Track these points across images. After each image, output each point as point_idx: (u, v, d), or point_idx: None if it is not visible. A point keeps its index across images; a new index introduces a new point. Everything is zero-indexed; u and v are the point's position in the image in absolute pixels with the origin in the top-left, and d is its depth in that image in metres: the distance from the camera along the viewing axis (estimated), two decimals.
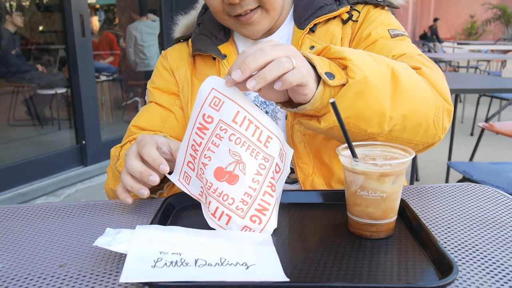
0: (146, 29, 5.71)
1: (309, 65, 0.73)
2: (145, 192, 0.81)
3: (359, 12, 1.05)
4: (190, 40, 1.14)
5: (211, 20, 1.11)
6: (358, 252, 0.67)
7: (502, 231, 0.74)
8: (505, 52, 8.59)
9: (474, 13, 17.67)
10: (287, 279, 0.57)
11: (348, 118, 0.76)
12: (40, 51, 4.76)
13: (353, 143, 0.72)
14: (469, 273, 0.61)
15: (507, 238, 0.71)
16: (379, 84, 0.76)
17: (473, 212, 0.82)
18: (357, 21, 1.05)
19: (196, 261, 0.61)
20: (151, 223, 0.75)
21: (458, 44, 11.31)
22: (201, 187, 0.78)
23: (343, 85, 0.75)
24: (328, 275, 0.60)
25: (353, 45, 1.04)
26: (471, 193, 0.91)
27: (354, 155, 0.70)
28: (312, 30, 1.05)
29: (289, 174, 1.09)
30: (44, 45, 4.83)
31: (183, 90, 1.12)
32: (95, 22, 6.54)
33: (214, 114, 0.75)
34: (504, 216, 0.80)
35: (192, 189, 0.80)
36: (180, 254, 0.63)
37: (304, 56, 0.75)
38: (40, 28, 4.81)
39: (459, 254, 0.66)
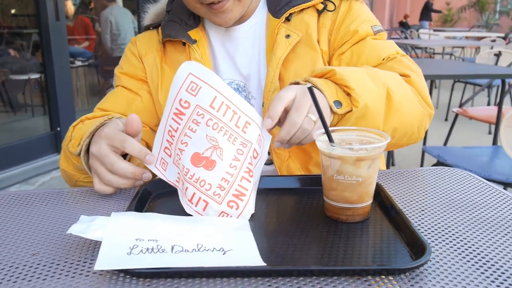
0: (121, 13, 5.60)
1: (327, 107, 0.82)
2: (141, 182, 0.84)
3: (334, 4, 1.07)
4: (160, 27, 1.14)
5: (181, 7, 1.11)
6: (334, 235, 0.67)
7: (473, 213, 0.75)
8: (479, 38, 8.74)
9: (449, 0, 17.88)
10: (264, 264, 0.57)
11: None
12: (12, 35, 4.61)
13: (330, 128, 0.72)
14: (441, 254, 0.62)
15: (479, 220, 0.73)
16: (377, 107, 0.87)
17: (447, 195, 0.83)
18: (333, 11, 1.06)
19: (172, 248, 0.61)
20: (127, 210, 0.74)
21: (434, 31, 11.44)
22: (178, 173, 0.78)
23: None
24: (305, 259, 0.61)
25: (338, 38, 1.05)
26: (445, 177, 0.93)
27: (330, 140, 0.71)
28: (287, 19, 1.05)
29: None
30: (16, 29, 4.68)
31: (152, 76, 1.12)
32: (70, 5, 6.38)
33: (191, 99, 0.75)
34: (476, 198, 0.81)
35: (169, 176, 0.80)
36: (156, 241, 0.62)
37: (314, 85, 0.83)
38: (12, 11, 4.67)
39: (432, 236, 0.67)
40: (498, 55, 4.69)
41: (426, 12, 14.87)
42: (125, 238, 0.62)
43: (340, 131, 0.77)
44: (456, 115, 3.41)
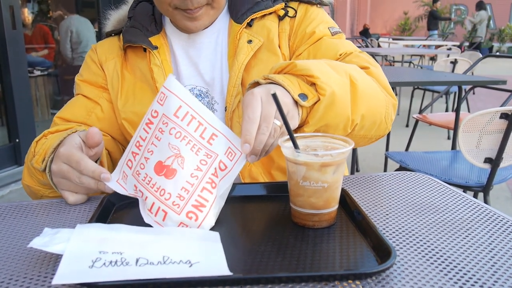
0: (81, 22, 5.51)
1: (292, 103, 0.80)
2: (107, 175, 0.80)
3: (294, 9, 1.09)
4: (121, 34, 1.13)
5: (143, 14, 1.12)
6: (302, 242, 0.67)
7: (436, 215, 0.77)
8: (436, 47, 9.04)
9: (407, 10, 18.45)
10: (230, 273, 0.57)
11: (320, 128, 0.86)
12: None
13: (295, 135, 0.73)
14: (406, 257, 0.63)
15: (440, 222, 0.74)
16: (343, 94, 0.85)
17: (410, 199, 0.85)
18: (294, 17, 1.08)
19: (137, 260, 0.59)
20: (89, 221, 0.72)
21: (393, 39, 11.79)
22: (135, 185, 0.76)
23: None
24: (272, 266, 0.61)
25: (297, 42, 1.08)
26: (408, 181, 0.95)
27: (296, 146, 0.71)
28: (249, 25, 1.07)
29: None
30: None
31: (112, 83, 1.11)
32: (27, 14, 6.21)
33: (159, 108, 0.75)
34: (438, 202, 0.83)
35: (128, 189, 0.78)
36: (121, 254, 0.61)
37: (275, 82, 0.81)
38: None
39: (397, 239, 0.69)
40: (454, 62, 4.86)
41: (434, 22, 14.65)
42: (88, 250, 0.60)
43: (305, 138, 0.77)
44: (417, 121, 3.50)
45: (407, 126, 5.55)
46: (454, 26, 19.46)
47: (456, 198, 0.85)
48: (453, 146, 3.14)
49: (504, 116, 1.97)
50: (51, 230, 0.66)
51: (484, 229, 0.72)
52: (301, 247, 0.66)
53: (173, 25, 1.11)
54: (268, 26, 1.07)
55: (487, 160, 2.06)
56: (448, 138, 5.02)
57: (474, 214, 0.78)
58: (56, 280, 0.53)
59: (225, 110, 1.04)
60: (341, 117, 0.86)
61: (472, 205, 0.82)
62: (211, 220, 0.73)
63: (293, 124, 0.79)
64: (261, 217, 0.78)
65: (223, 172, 0.75)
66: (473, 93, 7.48)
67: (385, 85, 0.99)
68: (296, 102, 0.81)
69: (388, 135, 3.72)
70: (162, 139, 0.74)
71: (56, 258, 0.64)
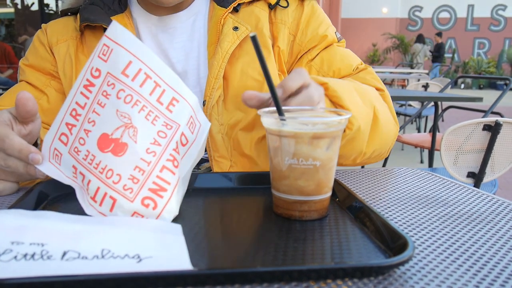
0: None
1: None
2: (38, 156, 0.62)
3: (287, 1, 0.95)
4: (78, 14, 0.96)
5: None
6: (288, 237, 0.52)
7: (446, 208, 0.64)
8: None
9: (376, 42, 18.88)
10: (191, 267, 0.41)
11: None
12: None
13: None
14: (422, 251, 0.49)
15: (454, 215, 0.61)
16: (366, 128, 0.80)
17: (412, 192, 0.72)
18: (286, 7, 0.95)
19: (64, 254, 0.43)
20: (11, 207, 0.55)
21: None
22: (73, 166, 0.59)
23: None
24: (252, 262, 0.45)
25: (306, 42, 0.95)
26: (405, 176, 0.82)
27: (280, 113, 0.57)
28: (235, 10, 0.92)
29: (202, 163, 0.93)
30: None
31: (65, 68, 0.93)
32: None
33: (102, 66, 0.59)
34: (445, 195, 0.70)
35: (65, 170, 0.60)
36: (42, 245, 0.44)
37: None
38: None
39: (408, 232, 0.55)
40: (426, 86, 4.88)
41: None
42: None
43: (290, 112, 0.63)
44: None
45: None
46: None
47: (466, 192, 0.72)
48: (430, 167, 3.06)
49: (487, 128, 1.89)
50: None
51: (508, 222, 0.59)
52: (287, 242, 0.51)
53: (141, 5, 0.96)
54: (256, 14, 0.93)
55: (470, 175, 1.97)
56: (421, 162, 4.99)
57: (491, 206, 0.65)
58: None
59: (204, 105, 0.89)
60: (356, 150, 0.82)
61: (481, 195, 0.69)
62: (174, 208, 0.57)
63: None
64: (235, 209, 0.63)
65: (184, 147, 0.60)
66: (442, 120, 7.57)
67: (393, 111, 0.93)
68: None
69: None
70: (107, 106, 0.58)
71: None
